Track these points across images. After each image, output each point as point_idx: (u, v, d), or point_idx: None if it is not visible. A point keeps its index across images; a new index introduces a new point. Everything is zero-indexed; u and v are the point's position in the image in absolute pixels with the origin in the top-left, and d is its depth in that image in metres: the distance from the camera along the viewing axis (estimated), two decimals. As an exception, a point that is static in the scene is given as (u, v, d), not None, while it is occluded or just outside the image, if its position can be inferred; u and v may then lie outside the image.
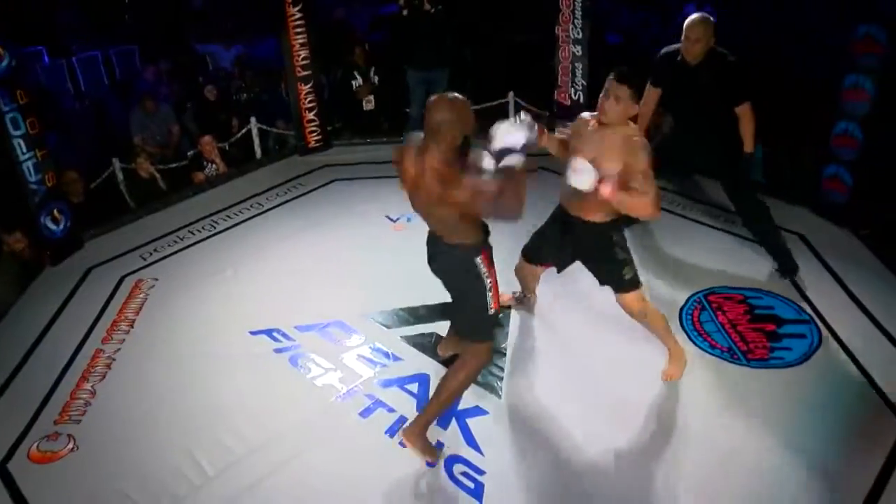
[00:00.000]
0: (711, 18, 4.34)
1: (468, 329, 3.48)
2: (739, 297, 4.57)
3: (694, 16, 4.36)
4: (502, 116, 3.19)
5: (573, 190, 3.38)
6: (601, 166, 3.30)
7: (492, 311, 3.34)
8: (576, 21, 6.70)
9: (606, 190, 3.25)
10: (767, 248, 4.85)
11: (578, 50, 6.82)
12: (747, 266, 4.92)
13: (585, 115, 3.58)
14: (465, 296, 3.38)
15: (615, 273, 3.71)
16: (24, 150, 5.14)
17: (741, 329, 4.28)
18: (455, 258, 3.28)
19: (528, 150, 3.04)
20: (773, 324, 4.32)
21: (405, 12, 6.89)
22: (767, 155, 6.29)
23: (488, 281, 3.28)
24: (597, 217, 3.57)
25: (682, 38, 4.37)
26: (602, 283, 3.83)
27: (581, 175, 3.29)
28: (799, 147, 6.34)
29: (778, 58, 7.00)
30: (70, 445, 3.77)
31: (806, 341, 4.17)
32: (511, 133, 3.01)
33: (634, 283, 3.73)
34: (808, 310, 4.44)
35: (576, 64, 6.89)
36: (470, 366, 3.43)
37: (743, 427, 3.62)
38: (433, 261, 3.42)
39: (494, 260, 3.32)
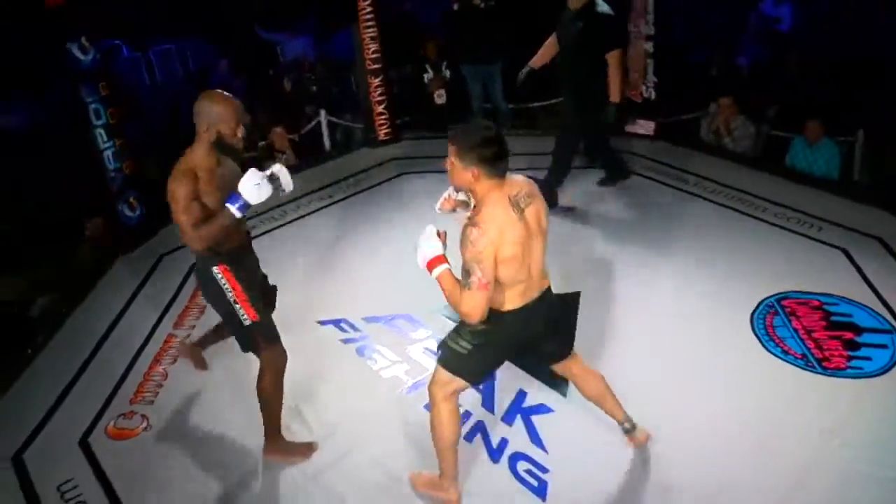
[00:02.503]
0: None
1: (241, 344, 3.40)
2: (815, 302, 4.42)
3: None
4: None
5: None
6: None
7: (248, 323, 3.24)
8: (648, 17, 6.58)
9: (435, 271, 2.76)
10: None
11: (650, 46, 6.70)
12: (823, 271, 4.75)
13: None
14: (219, 311, 3.31)
15: None
16: (105, 139, 5.33)
17: (817, 336, 4.14)
18: (198, 270, 3.24)
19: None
20: (852, 332, 4.16)
21: (456, 6, 6.96)
22: (843, 154, 6.13)
23: (231, 294, 3.19)
24: None
25: None
26: None
27: (420, 247, 2.81)
28: (881, 147, 6.13)
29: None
30: (144, 424, 3.92)
31: (888, 352, 4.02)
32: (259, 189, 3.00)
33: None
34: (890, 319, 4.27)
35: (647, 60, 6.77)
36: (267, 374, 3.36)
37: (818, 438, 3.49)
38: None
39: None
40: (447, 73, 7.45)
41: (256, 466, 3.55)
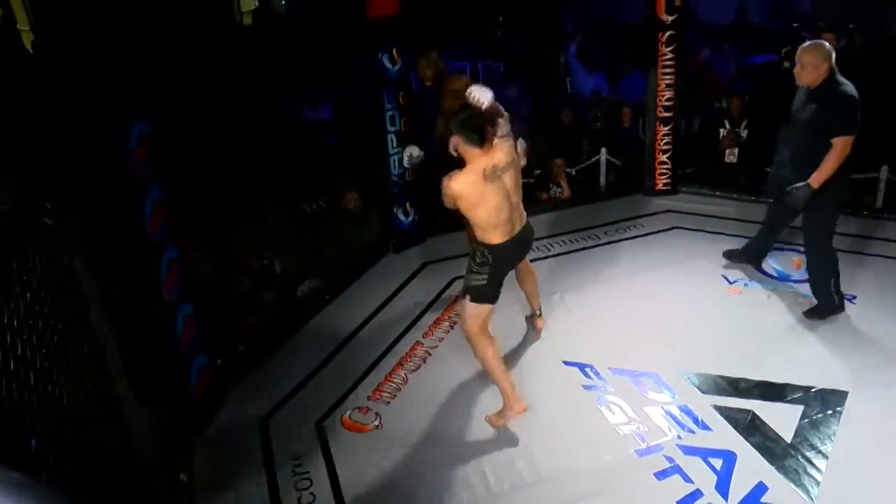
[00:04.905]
0: (825, 44, 4.28)
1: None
2: None
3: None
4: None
5: None
6: None
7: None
8: None
9: None
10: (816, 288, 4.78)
11: None
12: None
13: None
14: None
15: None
16: (394, 145, 5.61)
17: None
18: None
19: None
20: None
21: (787, 64, 6.44)
22: None
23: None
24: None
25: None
26: None
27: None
28: None
29: None
30: (376, 422, 4.07)
31: None
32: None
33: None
34: None
35: None
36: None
37: None
38: None
39: None
40: (744, 133, 6.98)
41: (471, 497, 3.54)
